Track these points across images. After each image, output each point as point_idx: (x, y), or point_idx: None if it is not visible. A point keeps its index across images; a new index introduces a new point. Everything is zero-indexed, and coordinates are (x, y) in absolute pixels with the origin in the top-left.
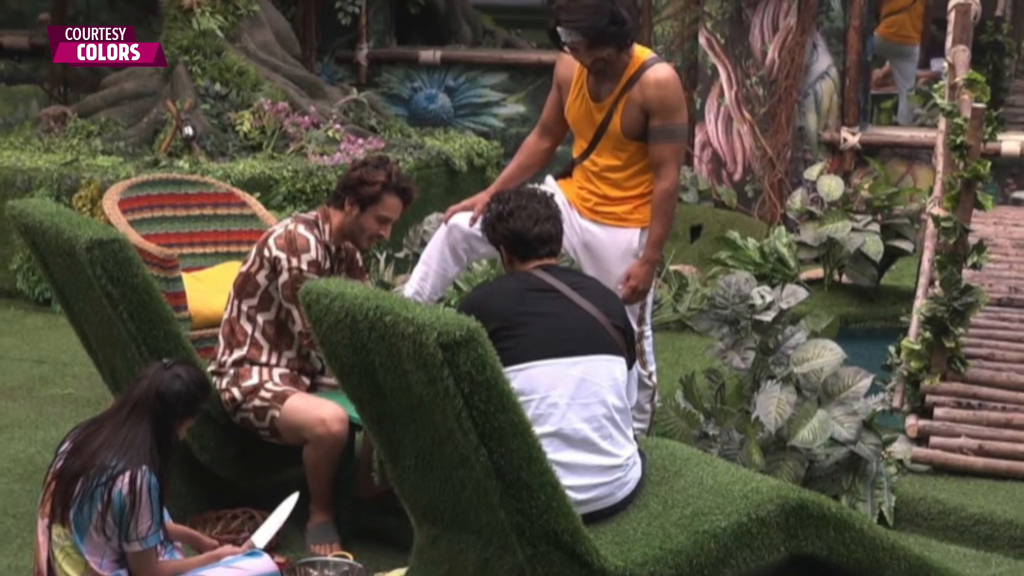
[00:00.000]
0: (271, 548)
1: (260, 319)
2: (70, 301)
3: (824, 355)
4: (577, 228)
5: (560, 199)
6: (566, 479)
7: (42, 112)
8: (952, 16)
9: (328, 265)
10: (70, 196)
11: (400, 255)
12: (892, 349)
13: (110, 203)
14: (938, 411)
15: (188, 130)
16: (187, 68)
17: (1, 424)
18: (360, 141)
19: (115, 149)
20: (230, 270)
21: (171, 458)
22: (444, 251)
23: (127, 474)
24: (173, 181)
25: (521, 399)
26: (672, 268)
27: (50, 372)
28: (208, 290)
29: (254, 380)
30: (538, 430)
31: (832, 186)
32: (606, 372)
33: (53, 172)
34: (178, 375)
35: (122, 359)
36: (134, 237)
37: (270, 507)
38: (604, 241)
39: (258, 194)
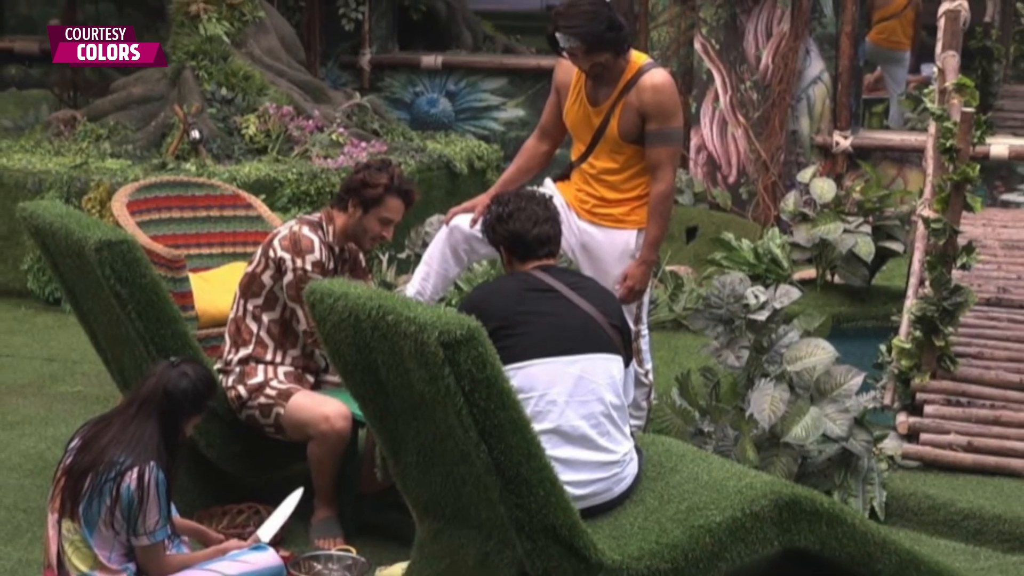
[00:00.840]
0: (276, 542)
1: (265, 318)
2: (79, 301)
3: (817, 354)
4: (575, 229)
5: (558, 201)
6: (564, 475)
7: (52, 116)
8: (942, 22)
9: (332, 266)
10: (79, 198)
11: (402, 256)
12: (883, 348)
13: (119, 205)
14: (928, 408)
15: (195, 134)
16: (194, 73)
17: (12, 421)
18: (363, 144)
19: (123, 152)
20: (236, 270)
21: (178, 454)
22: (445, 252)
23: (135, 470)
24: (180, 183)
25: (520, 397)
26: (668, 269)
27: (60, 370)
28: (214, 290)
29: (259, 378)
30: (537, 427)
31: (824, 188)
32: (604, 370)
33: (63, 175)
34: (185, 373)
35: (130, 357)
36: (142, 238)
37: (275, 502)
38: (602, 242)
39: (263, 196)
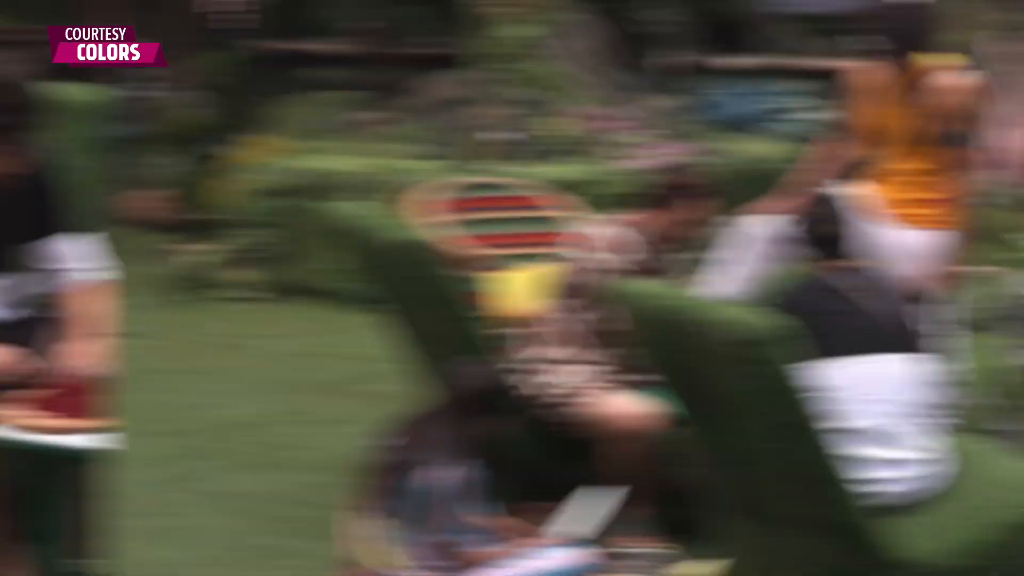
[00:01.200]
0: (583, 541)
1: (577, 318)
2: (385, 300)
3: None
4: (880, 231)
5: (861, 203)
6: (867, 473)
7: (356, 117)
8: None
9: (646, 266)
10: (383, 198)
11: (709, 256)
12: None
13: (420, 205)
14: None
15: (502, 135)
16: (500, 75)
17: (323, 419)
18: (673, 146)
19: (427, 153)
20: (541, 271)
21: (487, 453)
22: (750, 252)
23: (443, 469)
24: (485, 184)
25: (820, 395)
26: (975, 269)
27: (371, 369)
28: (520, 291)
29: (571, 378)
30: (836, 425)
31: None
32: (907, 370)
33: (365, 175)
34: (489, 375)
35: (436, 358)
36: (443, 238)
37: (581, 499)
38: (907, 243)
39: (573, 197)
